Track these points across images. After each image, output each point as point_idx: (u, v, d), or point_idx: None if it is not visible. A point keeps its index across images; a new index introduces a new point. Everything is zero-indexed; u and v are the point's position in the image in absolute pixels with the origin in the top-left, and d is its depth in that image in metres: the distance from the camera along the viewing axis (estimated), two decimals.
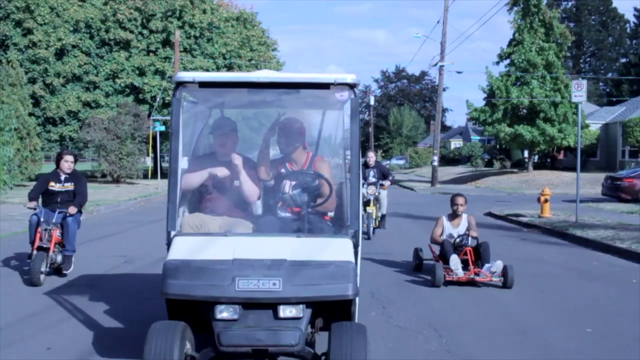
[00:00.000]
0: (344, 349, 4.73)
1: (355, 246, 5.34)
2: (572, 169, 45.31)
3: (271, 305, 4.97)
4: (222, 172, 5.94)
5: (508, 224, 18.53)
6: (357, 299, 5.34)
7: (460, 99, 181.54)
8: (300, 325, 4.96)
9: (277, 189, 6.14)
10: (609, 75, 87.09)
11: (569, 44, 46.39)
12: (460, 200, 10.18)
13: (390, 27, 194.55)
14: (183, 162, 5.70)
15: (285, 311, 4.95)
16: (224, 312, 4.95)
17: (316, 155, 6.36)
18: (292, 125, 6.25)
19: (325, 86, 5.48)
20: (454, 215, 10.23)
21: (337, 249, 5.21)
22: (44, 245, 9.27)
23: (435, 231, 10.23)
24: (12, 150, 23.22)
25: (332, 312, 5.35)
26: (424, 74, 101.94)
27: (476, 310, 8.04)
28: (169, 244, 5.37)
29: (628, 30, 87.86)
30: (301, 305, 4.98)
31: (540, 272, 10.39)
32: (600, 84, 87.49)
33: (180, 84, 5.55)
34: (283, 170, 6.23)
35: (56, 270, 9.68)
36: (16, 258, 11.22)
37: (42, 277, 9.03)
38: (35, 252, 9.18)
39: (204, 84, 5.64)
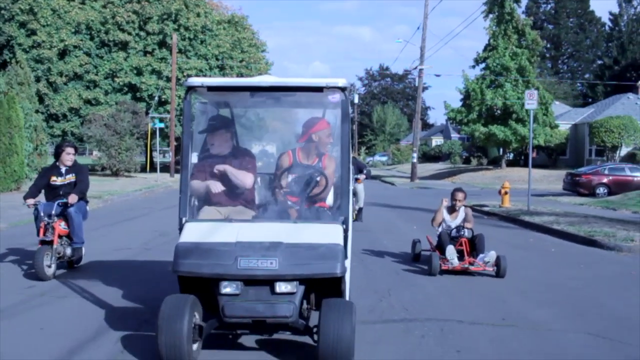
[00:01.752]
0: (332, 322, 5.28)
1: (345, 231, 5.85)
2: (544, 166, 48.33)
3: (269, 281, 5.49)
4: (216, 187, 6.46)
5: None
6: (347, 278, 5.91)
7: (443, 97, 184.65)
8: (294, 299, 5.49)
9: (280, 179, 6.58)
10: (586, 76, 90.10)
11: (541, 49, 49.26)
12: (459, 195, 10.58)
13: (375, 24, 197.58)
14: (193, 157, 6.29)
15: (281, 287, 5.48)
16: (227, 288, 5.49)
17: (324, 153, 6.85)
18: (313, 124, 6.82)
19: (318, 89, 6.05)
20: (452, 209, 10.64)
21: (328, 233, 5.71)
22: (47, 239, 9.08)
23: (437, 217, 10.63)
24: (31, 145, 25.75)
25: (324, 289, 5.81)
26: (407, 72, 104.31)
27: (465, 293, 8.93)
28: (180, 229, 5.91)
29: (605, 34, 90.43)
30: (295, 282, 5.49)
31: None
32: (578, 84, 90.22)
33: (190, 88, 6.08)
34: (291, 163, 6.73)
35: (69, 264, 9.68)
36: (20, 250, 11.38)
37: (49, 271, 8.89)
38: (38, 246, 9.05)
39: (211, 88, 6.22)
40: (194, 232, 5.77)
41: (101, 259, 10.71)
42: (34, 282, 8.74)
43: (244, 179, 6.50)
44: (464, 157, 65.07)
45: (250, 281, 5.46)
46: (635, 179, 30.18)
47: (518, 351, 6.22)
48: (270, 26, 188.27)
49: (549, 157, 51.28)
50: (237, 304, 5.44)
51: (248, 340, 6.25)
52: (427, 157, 75.09)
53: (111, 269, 9.87)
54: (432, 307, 7.84)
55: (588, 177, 30.20)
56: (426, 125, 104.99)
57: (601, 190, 29.57)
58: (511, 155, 52.30)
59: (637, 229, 14.82)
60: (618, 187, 28.98)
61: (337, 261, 5.47)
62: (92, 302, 7.77)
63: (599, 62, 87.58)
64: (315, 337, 5.48)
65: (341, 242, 5.64)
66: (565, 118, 53.02)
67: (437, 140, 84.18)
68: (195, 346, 5.55)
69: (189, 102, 6.11)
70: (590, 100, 75.49)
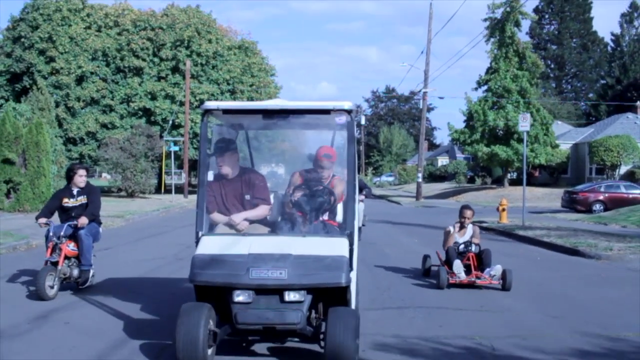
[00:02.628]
0: (337, 329, 5.65)
1: (351, 244, 6.17)
2: (547, 184, 49.65)
3: (278, 290, 5.85)
4: (243, 225, 6.78)
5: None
6: (352, 288, 6.29)
7: (450, 116, 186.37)
8: (302, 307, 5.86)
9: (291, 196, 6.89)
10: (590, 95, 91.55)
11: (541, 71, 50.76)
12: (468, 213, 10.96)
13: (381, 45, 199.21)
14: (209, 176, 6.69)
15: (289, 296, 5.84)
16: (240, 296, 5.85)
17: (335, 175, 7.20)
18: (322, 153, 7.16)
19: (326, 112, 6.40)
20: (461, 225, 11.02)
21: (334, 246, 6.07)
22: (53, 260, 9.20)
23: (448, 242, 10.90)
24: (56, 167, 27.35)
25: (331, 298, 6.12)
26: (413, 93, 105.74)
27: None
28: (197, 242, 6.30)
29: (607, 54, 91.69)
30: (303, 291, 5.86)
31: None
32: (582, 104, 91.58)
33: (207, 111, 6.49)
34: (302, 182, 7.04)
35: (77, 285, 9.67)
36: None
37: (51, 291, 8.91)
38: (43, 266, 9.13)
39: (226, 111, 6.65)
40: (210, 245, 6.17)
41: (140, 266, 12.20)
42: (58, 296, 9.02)
43: (262, 213, 6.92)
44: (468, 176, 66.35)
45: (261, 290, 5.85)
46: (631, 195, 31.54)
47: (486, 326, 7.81)
48: (278, 47, 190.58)
49: (551, 175, 52.59)
50: (249, 312, 5.82)
51: (260, 347, 6.68)
52: (433, 177, 76.30)
53: (128, 285, 10.34)
54: (424, 298, 9.38)
55: (585, 195, 31.56)
56: (432, 146, 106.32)
57: (597, 207, 30.88)
58: (515, 175, 53.59)
59: (618, 240, 16.25)
60: (614, 204, 30.28)
61: (342, 272, 5.84)
62: (112, 314, 8.20)
63: (602, 81, 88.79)
64: (322, 343, 5.90)
65: (346, 255, 6.02)
66: (567, 137, 54.38)
67: (443, 160, 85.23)
68: (210, 351, 5.90)
69: (205, 124, 6.55)
70: (593, 119, 76.80)
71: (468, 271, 10.24)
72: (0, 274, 10.92)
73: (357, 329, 5.77)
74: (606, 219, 24.39)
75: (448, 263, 10.50)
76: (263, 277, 5.78)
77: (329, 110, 6.33)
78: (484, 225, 22.58)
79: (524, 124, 20.82)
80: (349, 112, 6.27)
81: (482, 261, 10.43)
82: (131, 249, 14.78)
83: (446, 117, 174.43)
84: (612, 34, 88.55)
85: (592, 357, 6.53)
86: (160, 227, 21.56)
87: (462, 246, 10.66)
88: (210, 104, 6.48)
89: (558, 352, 6.65)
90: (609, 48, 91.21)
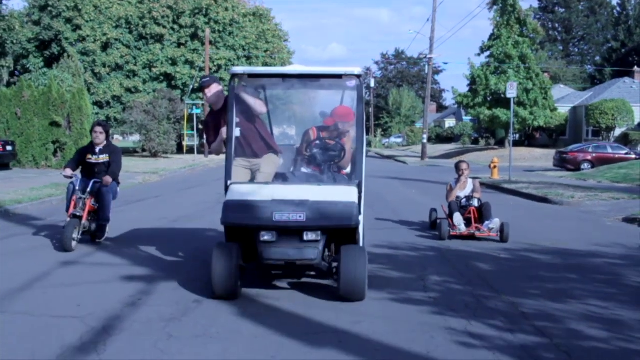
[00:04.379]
0: (349, 264, 6.45)
1: (359, 192, 6.87)
2: (547, 146, 52.21)
3: (298, 231, 6.53)
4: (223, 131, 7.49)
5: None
6: (361, 229, 7.05)
7: (459, 79, 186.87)
8: (318, 246, 6.57)
9: (307, 150, 7.63)
10: (597, 58, 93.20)
11: (541, 38, 53.13)
12: (463, 165, 11.57)
13: (392, 6, 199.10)
14: (237, 132, 7.23)
15: (308, 235, 6.54)
16: (265, 236, 6.53)
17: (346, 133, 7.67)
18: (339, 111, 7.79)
19: (338, 77, 7.16)
20: (459, 180, 11.58)
21: (345, 193, 6.74)
22: (77, 214, 9.49)
23: (452, 195, 11.48)
24: None
25: (342, 238, 6.89)
26: (420, 58, 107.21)
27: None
28: (226, 189, 6.96)
29: (614, 17, 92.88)
30: (319, 232, 6.56)
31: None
32: (587, 66, 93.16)
33: (234, 76, 7.17)
34: (315, 137, 7.71)
35: (92, 238, 9.99)
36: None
37: (73, 243, 9.22)
38: (68, 219, 9.46)
39: (251, 76, 7.37)
40: (238, 192, 6.84)
41: (197, 207, 15.14)
42: (82, 245, 9.62)
43: (256, 102, 7.45)
44: (473, 138, 68.80)
45: (283, 231, 6.55)
46: (617, 155, 34.23)
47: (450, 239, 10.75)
48: (288, 8, 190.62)
49: (550, 137, 55.13)
50: (272, 249, 6.54)
51: (281, 283, 7.52)
52: (441, 138, 78.67)
53: (156, 235, 10.95)
54: (411, 226, 12.44)
55: (574, 155, 34.29)
56: (441, 107, 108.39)
57: (585, 166, 33.53)
58: (517, 136, 56.14)
59: (584, 191, 19.11)
60: (601, 163, 32.81)
61: (353, 215, 6.56)
62: (147, 257, 9.00)
63: (608, 45, 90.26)
64: (336, 277, 6.75)
65: (356, 201, 6.73)
66: (566, 101, 56.71)
67: (450, 122, 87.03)
68: (239, 283, 6.70)
69: (232, 88, 7.15)
70: (598, 83, 78.70)
71: (469, 224, 10.78)
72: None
73: (366, 263, 6.57)
74: (586, 176, 27.16)
75: (451, 216, 11.04)
76: (285, 219, 6.47)
77: (341, 75, 7.12)
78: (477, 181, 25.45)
79: (511, 91, 23.56)
80: (358, 76, 7.05)
81: (482, 214, 10.92)
82: (180, 196, 18.06)
83: (455, 79, 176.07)
84: None
85: (511, 251, 9.69)
86: (193, 181, 24.43)
87: (464, 200, 11.27)
88: (238, 69, 7.26)
89: (491, 249, 9.83)
90: (615, 12, 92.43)
